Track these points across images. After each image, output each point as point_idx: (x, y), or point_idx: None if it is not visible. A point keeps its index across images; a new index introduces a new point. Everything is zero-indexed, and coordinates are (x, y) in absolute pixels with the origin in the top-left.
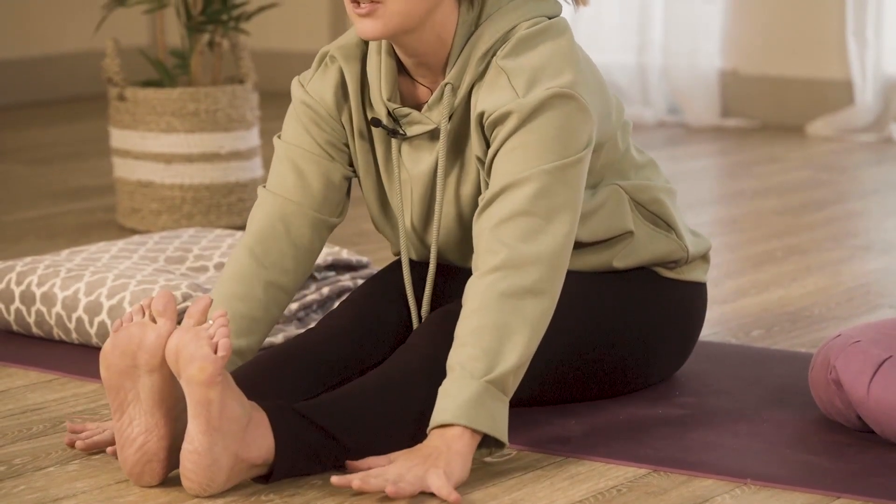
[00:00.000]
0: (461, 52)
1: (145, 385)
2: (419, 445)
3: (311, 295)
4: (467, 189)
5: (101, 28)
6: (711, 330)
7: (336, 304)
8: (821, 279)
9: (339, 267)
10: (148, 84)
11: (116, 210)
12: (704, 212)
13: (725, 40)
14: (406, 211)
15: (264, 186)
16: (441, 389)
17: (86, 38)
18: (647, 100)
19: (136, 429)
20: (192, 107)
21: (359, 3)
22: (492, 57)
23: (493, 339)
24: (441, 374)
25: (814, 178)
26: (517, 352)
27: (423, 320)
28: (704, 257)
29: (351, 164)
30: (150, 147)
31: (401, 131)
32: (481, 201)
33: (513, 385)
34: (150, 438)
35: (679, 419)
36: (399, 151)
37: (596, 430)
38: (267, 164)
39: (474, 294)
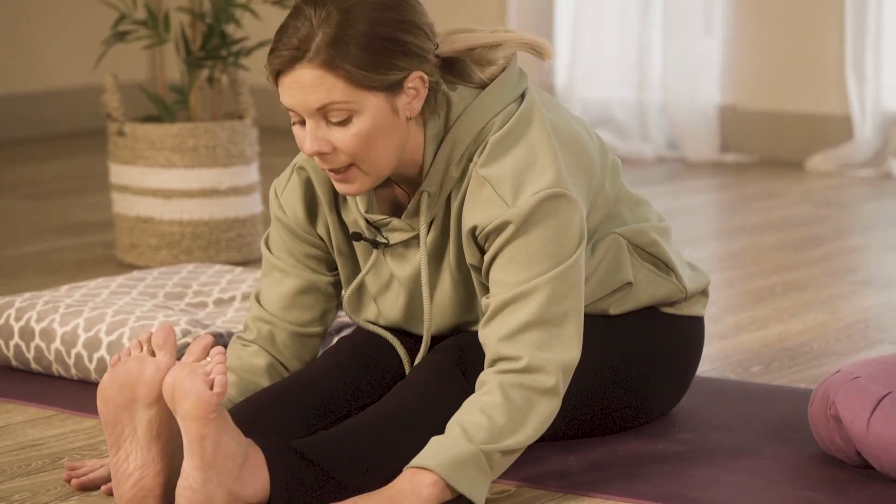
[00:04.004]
0: (434, 158)
1: (142, 420)
2: (384, 488)
3: None
4: (458, 290)
5: (101, 63)
6: (711, 365)
7: (334, 340)
8: (820, 315)
9: None
10: (147, 119)
11: (115, 245)
12: (703, 247)
13: (724, 76)
14: (394, 310)
15: (257, 299)
16: (433, 439)
17: (85, 74)
18: (647, 135)
19: (132, 464)
20: (192, 142)
21: (333, 171)
22: (468, 162)
23: (505, 419)
24: (437, 411)
25: (813, 214)
26: (519, 439)
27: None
28: (704, 292)
29: (334, 269)
30: (150, 182)
31: (382, 240)
32: (485, 308)
33: (498, 467)
34: (146, 474)
35: (678, 455)
36: (384, 256)
37: (595, 467)
38: (266, 199)
39: (493, 381)
